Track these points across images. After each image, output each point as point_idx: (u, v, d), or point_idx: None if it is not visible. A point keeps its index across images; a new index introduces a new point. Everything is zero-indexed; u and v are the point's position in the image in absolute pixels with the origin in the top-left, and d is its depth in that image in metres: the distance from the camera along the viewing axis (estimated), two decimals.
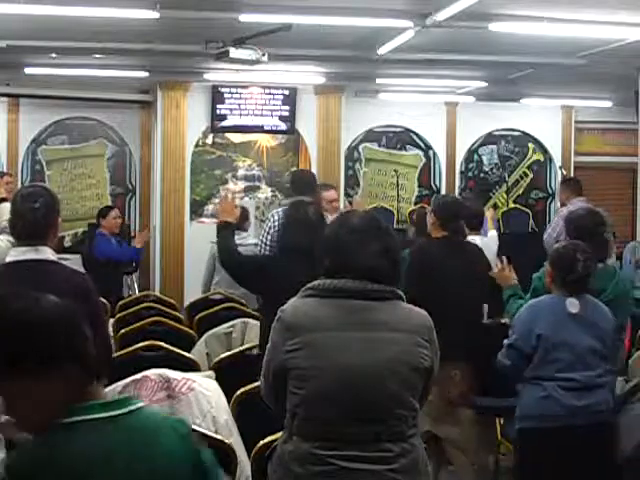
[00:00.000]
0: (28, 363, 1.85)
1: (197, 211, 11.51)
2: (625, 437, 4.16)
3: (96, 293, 3.79)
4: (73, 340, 1.92)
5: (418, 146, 12.55)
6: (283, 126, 11.58)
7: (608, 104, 12.32)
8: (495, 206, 12.32)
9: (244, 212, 8.11)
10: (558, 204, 10.94)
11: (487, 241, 7.30)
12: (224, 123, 11.43)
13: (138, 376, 3.85)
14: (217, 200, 11.19)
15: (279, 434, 3.02)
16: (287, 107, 11.46)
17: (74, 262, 8.92)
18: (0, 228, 5.43)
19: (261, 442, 3.35)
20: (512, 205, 12.57)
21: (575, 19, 7.05)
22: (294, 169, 11.20)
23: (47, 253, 3.69)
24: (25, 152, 11.93)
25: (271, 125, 11.54)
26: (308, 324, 2.84)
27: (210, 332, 6.11)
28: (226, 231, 4.96)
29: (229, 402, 4.03)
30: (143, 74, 10.43)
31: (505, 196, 12.57)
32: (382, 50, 8.45)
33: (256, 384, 3.84)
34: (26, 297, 1.96)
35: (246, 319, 6.23)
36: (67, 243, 11.76)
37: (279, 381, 2.89)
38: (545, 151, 12.79)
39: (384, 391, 2.82)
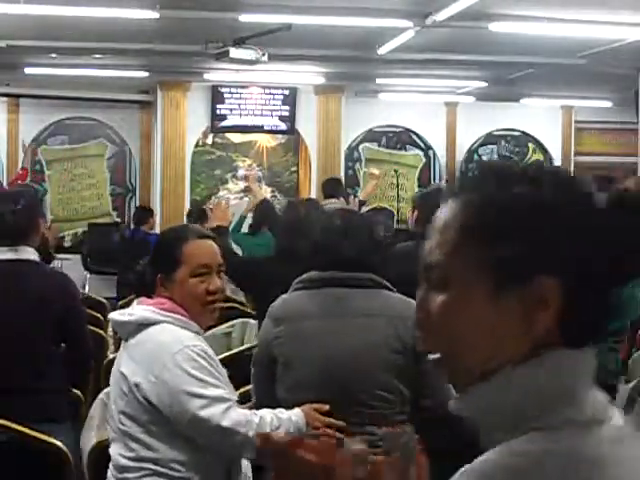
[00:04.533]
0: None
1: None
2: None
3: (77, 292, 3.83)
4: None
5: (418, 146, 12.55)
6: (283, 126, 11.58)
7: (608, 104, 12.32)
8: None
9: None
10: None
11: None
12: (224, 123, 11.43)
13: None
14: (211, 204, 11.20)
15: None
16: (287, 107, 11.47)
17: (74, 262, 8.94)
18: None
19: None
20: None
21: (575, 19, 7.05)
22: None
23: (28, 253, 3.70)
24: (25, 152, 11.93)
25: (271, 125, 11.54)
26: (293, 314, 2.99)
27: (209, 332, 6.09)
28: (221, 236, 4.96)
29: None
30: (143, 74, 10.43)
31: None
32: (382, 50, 8.45)
33: None
34: None
35: (246, 319, 6.23)
36: (67, 243, 11.76)
37: (268, 372, 3.01)
38: (545, 151, 12.80)
39: (363, 373, 2.90)
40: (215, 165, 11.83)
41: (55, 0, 6.72)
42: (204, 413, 2.56)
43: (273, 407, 2.93)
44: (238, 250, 6.32)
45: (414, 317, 3.07)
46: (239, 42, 7.78)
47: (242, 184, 11.91)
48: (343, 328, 2.93)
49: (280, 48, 8.17)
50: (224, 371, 2.73)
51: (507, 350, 1.07)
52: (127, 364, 2.66)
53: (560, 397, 1.07)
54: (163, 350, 2.61)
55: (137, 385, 2.59)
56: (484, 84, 10.87)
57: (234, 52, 7.81)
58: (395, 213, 12.08)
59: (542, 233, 1.06)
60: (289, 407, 2.90)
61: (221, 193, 11.85)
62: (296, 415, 2.74)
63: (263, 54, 7.90)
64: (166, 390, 2.57)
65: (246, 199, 11.51)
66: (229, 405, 2.60)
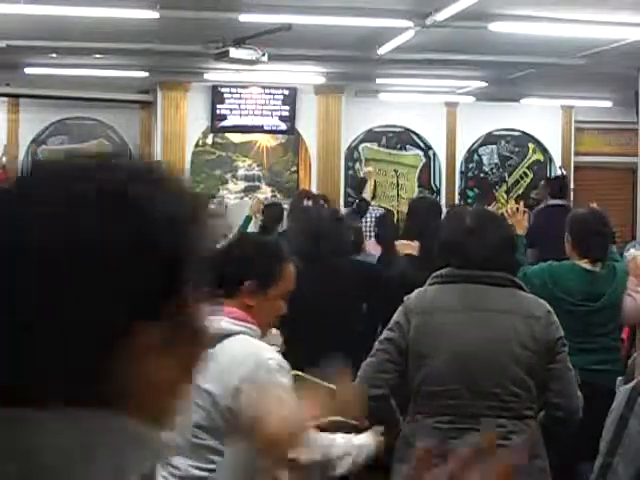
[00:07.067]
0: None
1: None
2: None
3: None
4: None
5: (418, 146, 12.55)
6: (283, 126, 11.58)
7: (608, 104, 12.31)
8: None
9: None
10: None
11: None
12: (224, 123, 11.43)
13: None
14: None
15: None
16: (287, 107, 11.47)
17: None
18: None
19: None
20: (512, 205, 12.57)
21: (575, 19, 7.05)
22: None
23: None
24: (25, 152, 11.93)
25: (271, 125, 11.54)
26: (427, 306, 3.10)
27: None
28: None
29: None
30: (143, 74, 10.43)
31: (505, 196, 12.57)
32: (382, 50, 8.45)
33: None
34: None
35: None
36: None
37: (401, 359, 3.08)
38: (545, 151, 12.80)
39: (496, 366, 2.99)
40: (215, 165, 11.83)
41: (55, 0, 6.72)
42: None
43: (378, 385, 3.06)
44: None
45: (547, 317, 3.20)
46: (239, 42, 7.78)
47: (242, 184, 11.93)
48: (478, 322, 3.03)
49: (280, 48, 8.17)
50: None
51: None
52: (204, 376, 2.59)
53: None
54: (252, 357, 2.54)
55: (218, 395, 2.51)
56: (484, 84, 10.87)
57: (234, 52, 7.81)
58: (395, 213, 12.08)
59: None
60: (423, 398, 3.03)
61: (221, 193, 11.85)
62: (364, 440, 2.64)
63: (263, 54, 7.90)
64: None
65: (246, 199, 11.55)
66: None
